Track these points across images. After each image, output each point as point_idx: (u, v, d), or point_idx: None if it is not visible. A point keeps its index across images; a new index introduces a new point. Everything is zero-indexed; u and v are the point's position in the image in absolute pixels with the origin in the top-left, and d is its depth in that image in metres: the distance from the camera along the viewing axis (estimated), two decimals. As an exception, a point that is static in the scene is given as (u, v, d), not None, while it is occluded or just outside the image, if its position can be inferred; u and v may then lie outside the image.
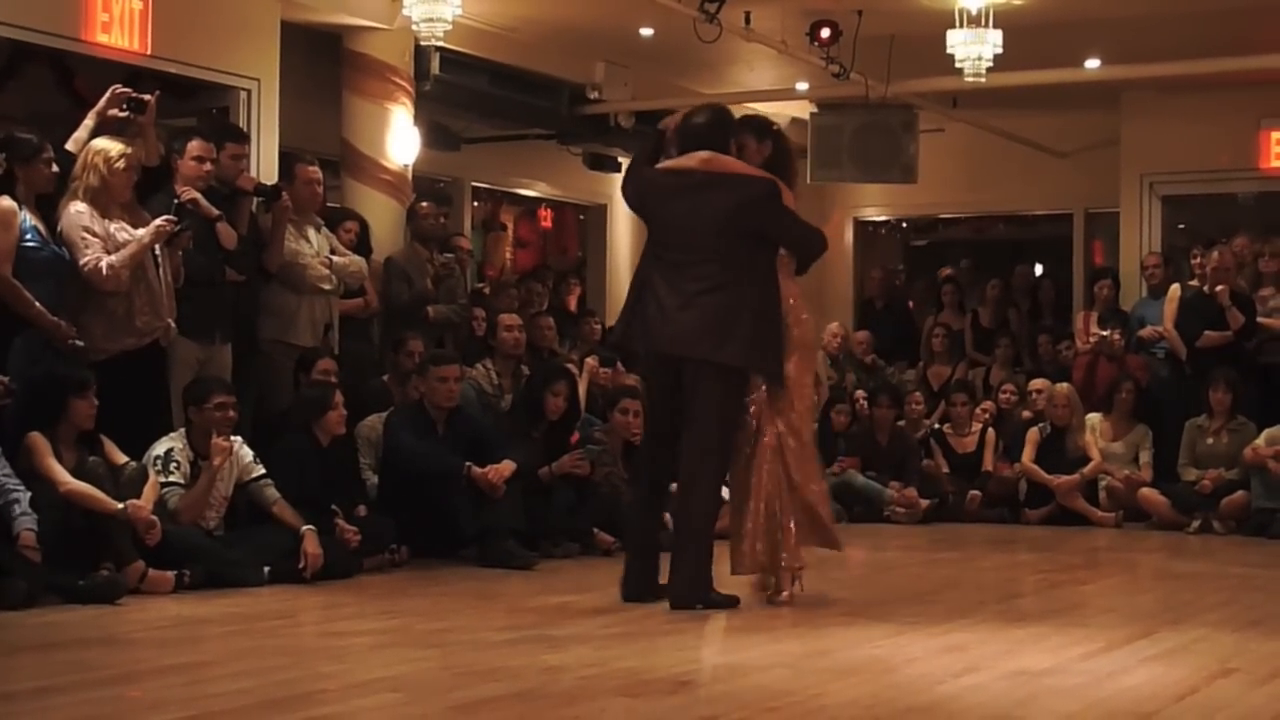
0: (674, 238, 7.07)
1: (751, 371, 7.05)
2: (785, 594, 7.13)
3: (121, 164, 7.88)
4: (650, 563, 7.18)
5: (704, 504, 7.02)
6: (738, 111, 7.66)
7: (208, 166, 8.55)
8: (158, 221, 7.95)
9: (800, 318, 7.16)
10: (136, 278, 7.91)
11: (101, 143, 7.91)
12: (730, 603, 6.97)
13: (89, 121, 8.09)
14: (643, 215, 7.41)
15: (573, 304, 13.63)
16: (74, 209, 7.81)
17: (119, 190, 7.94)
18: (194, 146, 8.48)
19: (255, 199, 9.05)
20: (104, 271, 7.77)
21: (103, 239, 7.82)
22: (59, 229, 7.78)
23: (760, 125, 7.44)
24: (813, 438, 7.40)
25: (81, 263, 7.75)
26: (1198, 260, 12.20)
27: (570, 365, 10.57)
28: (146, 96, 8.23)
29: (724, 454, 7.08)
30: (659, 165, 7.27)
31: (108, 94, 8.17)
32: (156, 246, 7.96)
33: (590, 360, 10.96)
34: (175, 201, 8.24)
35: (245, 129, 9.76)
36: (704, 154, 7.10)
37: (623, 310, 7.40)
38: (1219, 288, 11.65)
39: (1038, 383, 12.29)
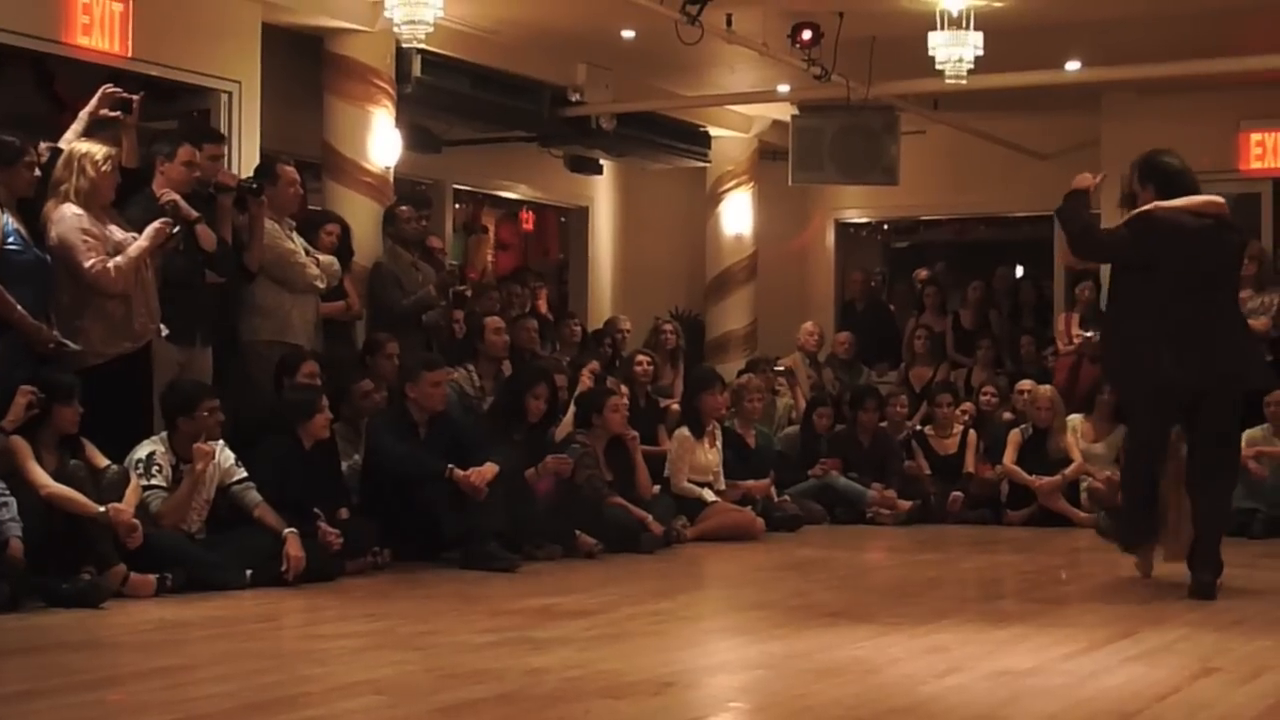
0: (1203, 272, 7.56)
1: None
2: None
3: (107, 166, 7.85)
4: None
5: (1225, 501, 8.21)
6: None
7: (196, 173, 8.52)
8: (156, 224, 7.93)
9: None
10: (133, 281, 7.88)
11: (85, 145, 7.88)
12: None
13: (79, 124, 8.06)
14: (1153, 255, 7.55)
15: (542, 307, 13.59)
16: (70, 211, 7.76)
17: (105, 192, 7.91)
18: (184, 152, 8.40)
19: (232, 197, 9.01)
20: (111, 274, 7.74)
21: (101, 240, 7.79)
22: (52, 233, 7.72)
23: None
24: None
25: (87, 265, 7.70)
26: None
27: (552, 367, 10.58)
28: (133, 97, 8.22)
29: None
30: (1170, 205, 7.58)
31: (99, 93, 8.14)
32: None
33: (594, 365, 11.04)
34: (169, 205, 8.18)
35: (226, 131, 9.75)
36: (1211, 197, 7.68)
37: (1145, 347, 7.57)
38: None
39: (1025, 384, 12.30)
